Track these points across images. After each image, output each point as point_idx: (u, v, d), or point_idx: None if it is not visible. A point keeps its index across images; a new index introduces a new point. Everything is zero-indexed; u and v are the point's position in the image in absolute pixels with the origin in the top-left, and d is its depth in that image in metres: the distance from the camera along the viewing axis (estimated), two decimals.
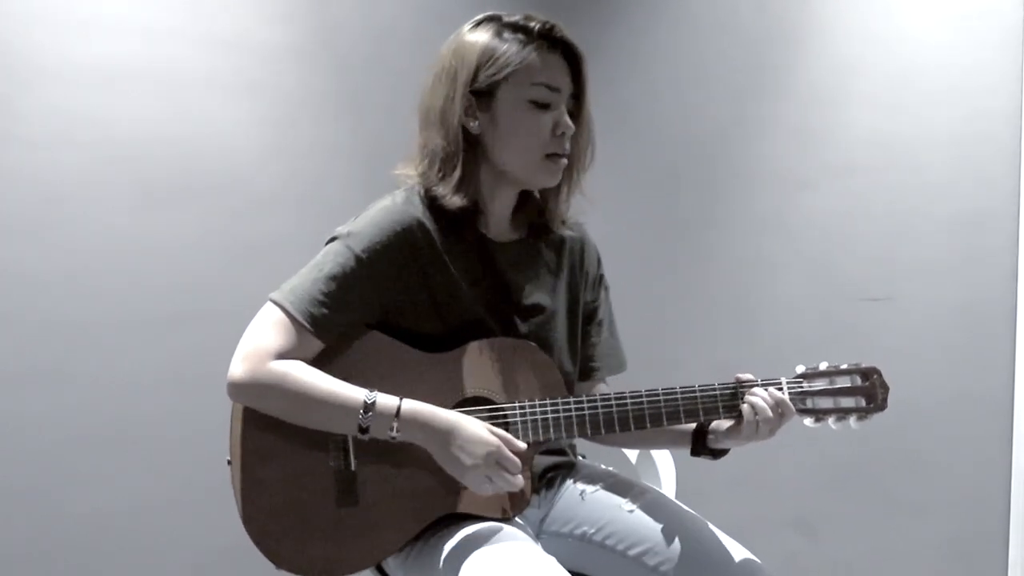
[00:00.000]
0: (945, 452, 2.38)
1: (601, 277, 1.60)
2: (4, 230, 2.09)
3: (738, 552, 1.40)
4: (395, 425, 1.29)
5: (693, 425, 1.46)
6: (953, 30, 2.38)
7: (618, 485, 1.52)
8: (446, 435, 1.29)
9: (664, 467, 1.82)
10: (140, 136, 2.22)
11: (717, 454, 1.46)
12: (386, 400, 1.29)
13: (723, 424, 1.43)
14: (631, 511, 1.46)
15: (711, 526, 1.45)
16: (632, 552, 1.42)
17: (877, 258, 2.47)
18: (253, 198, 2.36)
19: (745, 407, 1.37)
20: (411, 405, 1.30)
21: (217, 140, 2.31)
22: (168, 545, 2.24)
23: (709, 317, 2.70)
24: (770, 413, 1.35)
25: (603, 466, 1.59)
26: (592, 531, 1.46)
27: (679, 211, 2.77)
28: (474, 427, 1.30)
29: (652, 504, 1.47)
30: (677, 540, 1.41)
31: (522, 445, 1.31)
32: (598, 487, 1.52)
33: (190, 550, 2.25)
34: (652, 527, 1.43)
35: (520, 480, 1.30)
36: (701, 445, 1.45)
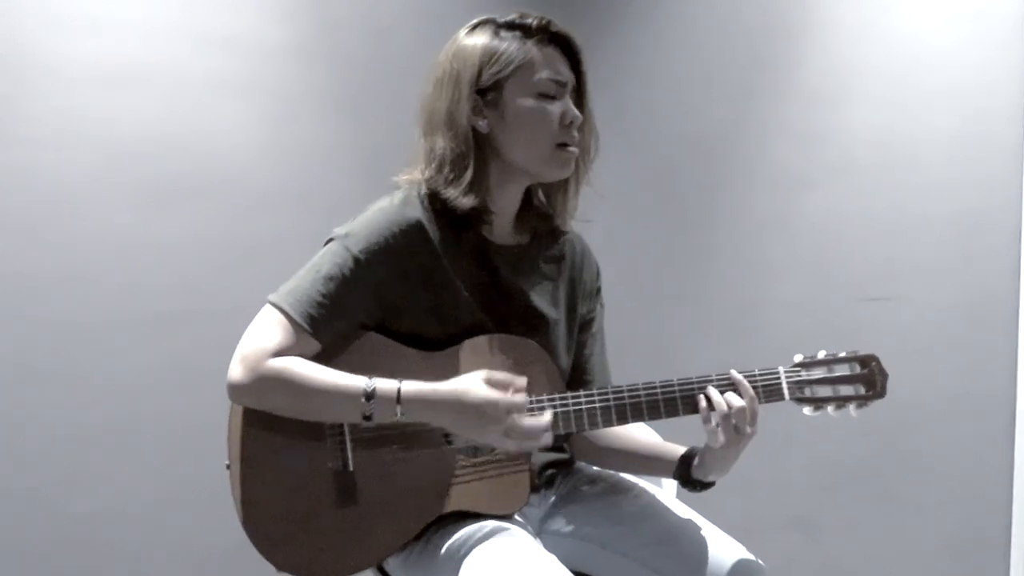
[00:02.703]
0: (946, 452, 2.38)
1: (598, 290, 1.59)
2: (3, 229, 2.08)
3: (738, 552, 1.40)
4: (398, 409, 1.29)
5: (681, 452, 1.45)
6: (954, 29, 2.37)
7: (618, 485, 1.52)
8: (451, 408, 1.29)
9: None
10: (140, 135, 2.22)
11: (700, 486, 1.43)
12: (386, 385, 1.29)
13: (705, 452, 1.40)
14: (631, 511, 1.46)
15: (711, 526, 1.45)
16: (632, 552, 1.42)
17: (878, 258, 2.46)
18: (253, 197, 2.36)
19: (700, 397, 1.35)
20: (411, 386, 1.30)
21: (217, 139, 2.31)
22: (168, 545, 2.24)
23: (710, 317, 2.70)
24: (724, 407, 1.32)
25: None
26: (593, 531, 1.45)
27: (679, 211, 2.76)
28: (475, 390, 1.29)
29: (652, 504, 1.47)
30: (677, 540, 1.41)
31: (521, 381, 1.31)
32: (599, 487, 1.52)
33: (190, 550, 2.25)
34: (652, 527, 1.43)
35: (542, 422, 1.29)
36: (686, 471, 1.42)
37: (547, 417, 1.31)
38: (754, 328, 2.61)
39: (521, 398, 1.30)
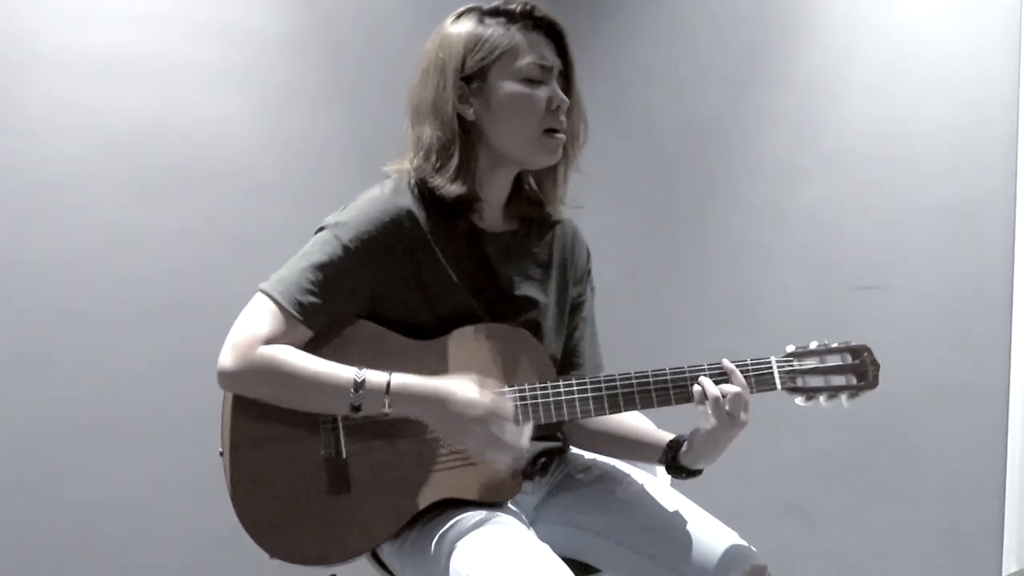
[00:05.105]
0: (940, 441, 2.38)
1: (589, 272, 1.60)
2: None
3: (731, 539, 1.40)
4: (386, 401, 1.29)
5: (669, 438, 1.45)
6: (950, 19, 2.37)
7: (612, 472, 1.53)
8: (437, 406, 1.29)
9: None
10: (135, 126, 2.22)
11: (686, 473, 1.43)
12: (375, 376, 1.29)
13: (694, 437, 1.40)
14: (625, 499, 1.47)
15: (705, 514, 1.46)
16: (626, 540, 1.43)
17: (873, 247, 2.47)
18: (248, 187, 2.36)
19: (695, 388, 1.35)
20: (401, 379, 1.30)
21: (212, 130, 2.31)
22: (162, 535, 2.24)
23: (705, 307, 2.71)
24: (717, 393, 1.33)
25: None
26: (586, 519, 1.46)
27: (674, 201, 2.77)
28: (463, 392, 1.29)
29: (646, 491, 1.48)
30: (670, 527, 1.41)
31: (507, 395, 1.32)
32: (593, 475, 1.53)
33: (184, 540, 2.25)
34: (645, 515, 1.44)
35: (522, 439, 1.29)
36: (673, 458, 1.42)
37: (527, 431, 1.31)
38: (749, 317, 2.62)
39: (508, 407, 1.30)
